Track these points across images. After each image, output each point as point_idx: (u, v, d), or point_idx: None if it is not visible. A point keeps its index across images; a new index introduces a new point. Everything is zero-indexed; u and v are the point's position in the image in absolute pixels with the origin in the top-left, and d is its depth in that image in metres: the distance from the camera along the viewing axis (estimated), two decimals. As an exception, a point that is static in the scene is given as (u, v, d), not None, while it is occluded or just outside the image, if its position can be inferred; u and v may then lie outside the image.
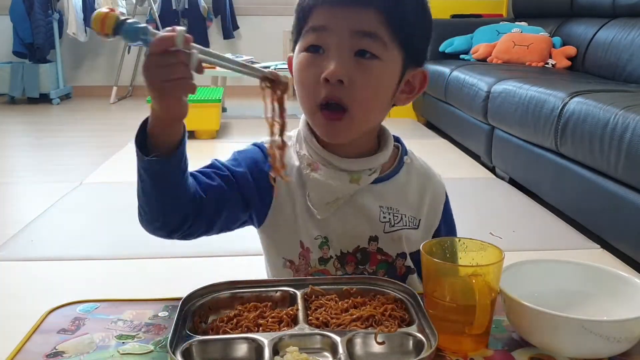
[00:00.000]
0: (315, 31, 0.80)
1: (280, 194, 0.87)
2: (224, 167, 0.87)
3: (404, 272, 0.92)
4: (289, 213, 0.88)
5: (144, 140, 0.74)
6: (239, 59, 0.74)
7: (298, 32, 0.84)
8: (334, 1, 0.79)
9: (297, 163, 0.88)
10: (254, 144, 0.91)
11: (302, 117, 0.90)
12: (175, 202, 0.78)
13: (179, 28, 0.65)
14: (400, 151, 0.94)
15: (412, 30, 0.84)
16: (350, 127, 0.83)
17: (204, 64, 0.67)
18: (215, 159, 0.89)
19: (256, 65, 0.72)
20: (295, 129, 0.91)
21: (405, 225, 0.90)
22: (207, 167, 0.87)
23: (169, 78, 0.66)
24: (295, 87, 0.85)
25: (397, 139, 0.95)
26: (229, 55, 0.71)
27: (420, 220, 0.92)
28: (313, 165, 0.87)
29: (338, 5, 0.79)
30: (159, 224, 0.80)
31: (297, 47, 0.84)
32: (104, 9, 0.64)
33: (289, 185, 0.87)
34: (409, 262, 0.92)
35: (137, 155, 0.74)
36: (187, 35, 0.65)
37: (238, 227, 0.90)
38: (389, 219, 0.89)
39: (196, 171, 0.85)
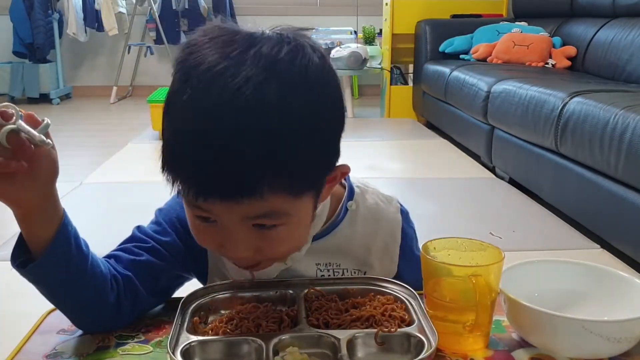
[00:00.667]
0: (197, 209, 0.64)
1: (214, 256, 0.79)
2: (147, 238, 0.77)
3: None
4: (227, 275, 0.80)
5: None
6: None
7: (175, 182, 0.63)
8: (213, 196, 0.60)
9: None
10: (177, 194, 0.67)
11: None
12: (88, 291, 0.69)
13: None
14: (345, 196, 0.80)
15: (317, 167, 0.65)
16: (274, 263, 0.74)
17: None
18: (137, 228, 0.79)
19: None
20: None
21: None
22: (127, 240, 0.78)
23: None
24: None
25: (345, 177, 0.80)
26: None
27: (365, 272, 0.82)
28: None
29: (219, 200, 0.60)
30: (93, 319, 0.71)
31: (183, 197, 0.64)
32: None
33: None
34: None
35: (22, 272, 0.67)
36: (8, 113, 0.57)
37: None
38: (328, 275, 0.80)
39: (115, 251, 0.77)
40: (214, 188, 0.59)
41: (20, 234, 0.67)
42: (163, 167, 0.63)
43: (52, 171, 0.63)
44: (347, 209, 0.80)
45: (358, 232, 0.80)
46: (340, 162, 0.69)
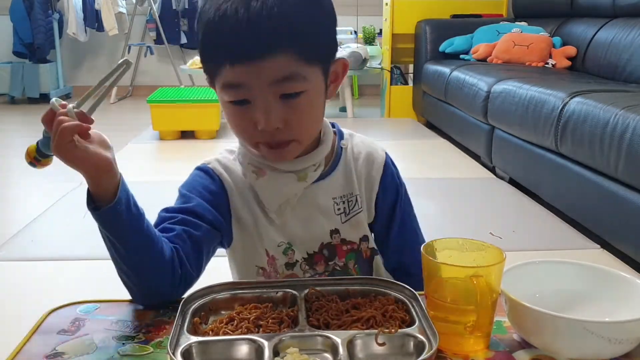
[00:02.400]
0: (233, 88, 0.78)
1: (237, 207, 0.89)
2: (175, 214, 0.85)
3: (370, 255, 0.94)
4: (250, 224, 0.89)
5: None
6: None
7: (210, 77, 0.82)
8: (241, 59, 0.75)
9: (243, 175, 0.89)
10: (197, 168, 0.92)
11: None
12: (150, 250, 0.77)
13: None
14: (337, 137, 0.94)
15: (318, 39, 0.80)
16: (298, 149, 0.84)
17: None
18: (163, 210, 0.88)
19: None
20: (221, 153, 0.93)
21: (361, 208, 0.92)
22: (156, 224, 0.85)
23: (55, 135, 0.71)
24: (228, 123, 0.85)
25: (332, 124, 0.95)
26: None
27: (365, 198, 0.94)
28: (259, 171, 0.88)
29: (247, 62, 0.75)
30: (152, 284, 0.78)
31: (218, 92, 0.81)
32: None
33: (243, 196, 0.89)
34: (372, 243, 0.94)
35: (94, 217, 0.75)
36: (61, 102, 0.73)
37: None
38: (344, 208, 0.91)
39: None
40: (241, 52, 0.74)
41: (87, 193, 0.75)
42: (204, 70, 0.81)
43: (107, 141, 0.75)
44: (341, 148, 0.93)
45: (351, 164, 0.93)
46: None
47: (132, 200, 0.76)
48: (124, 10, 5.68)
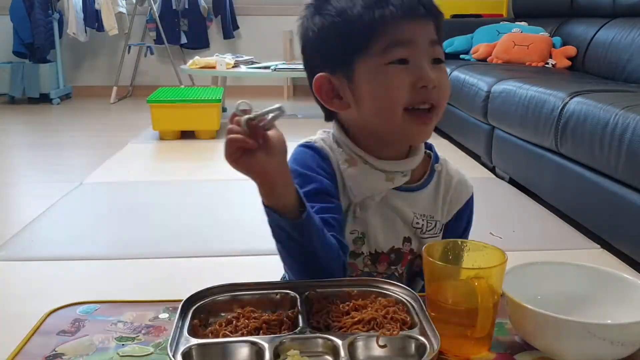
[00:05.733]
0: (402, 45, 0.83)
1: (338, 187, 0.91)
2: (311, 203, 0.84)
3: (419, 271, 0.96)
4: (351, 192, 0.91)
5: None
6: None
7: (362, 45, 0.84)
8: (414, 15, 0.83)
9: (335, 161, 0.91)
10: (303, 145, 0.92)
11: (334, 125, 0.93)
12: (330, 251, 0.80)
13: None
14: (432, 159, 0.97)
15: (441, 32, 0.89)
16: (434, 123, 0.88)
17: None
18: None
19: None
20: (321, 134, 0.95)
21: (436, 233, 0.94)
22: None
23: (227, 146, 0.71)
24: (369, 102, 0.86)
25: (429, 147, 0.98)
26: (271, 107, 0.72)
27: (443, 224, 0.96)
28: (351, 161, 0.90)
29: (418, 18, 0.84)
30: (328, 274, 0.80)
31: (369, 61, 0.84)
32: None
33: (338, 180, 0.90)
34: None
35: (288, 226, 0.75)
36: (245, 109, 0.71)
37: None
38: (422, 225, 0.93)
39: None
40: (414, 8, 0.83)
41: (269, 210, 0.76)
42: (355, 40, 0.84)
43: (282, 147, 0.73)
44: (434, 170, 0.96)
45: (442, 189, 0.95)
46: None
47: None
48: (124, 10, 5.67)
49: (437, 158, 0.97)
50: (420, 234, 0.93)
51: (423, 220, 0.93)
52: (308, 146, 0.92)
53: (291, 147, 0.83)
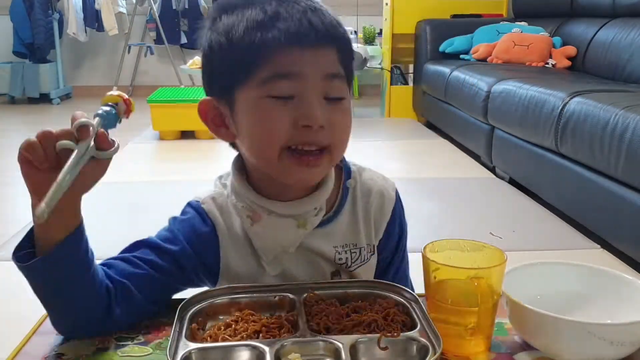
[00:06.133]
0: (286, 77, 0.71)
1: (228, 257, 0.81)
2: (149, 251, 0.78)
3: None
4: (243, 274, 0.81)
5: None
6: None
7: (243, 73, 0.73)
8: (302, 42, 0.71)
9: (237, 218, 0.81)
10: (190, 205, 0.83)
11: (232, 166, 0.83)
12: (81, 296, 0.70)
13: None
14: (343, 176, 0.86)
15: (351, 52, 0.78)
16: (328, 168, 0.78)
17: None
18: (144, 240, 0.80)
19: None
20: (216, 187, 0.85)
21: (364, 261, 0.85)
22: (129, 249, 0.80)
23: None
24: (246, 137, 0.76)
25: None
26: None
27: (374, 245, 0.87)
28: (254, 216, 0.80)
29: (308, 46, 0.71)
30: (79, 323, 0.72)
31: (249, 91, 0.73)
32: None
33: (237, 245, 0.81)
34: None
35: (20, 266, 0.68)
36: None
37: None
38: (346, 258, 0.84)
39: (114, 259, 0.78)
40: (300, 35, 0.71)
41: (30, 231, 0.69)
42: (224, 73, 0.75)
43: (90, 181, 0.67)
44: (347, 188, 0.85)
45: (359, 208, 0.85)
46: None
47: (84, 250, 0.70)
48: (124, 10, 5.67)
49: (348, 172, 0.86)
50: (346, 268, 0.84)
51: (346, 253, 0.83)
52: (193, 207, 0.82)
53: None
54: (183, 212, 0.83)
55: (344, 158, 0.86)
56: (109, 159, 0.67)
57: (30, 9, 5.27)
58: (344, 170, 0.86)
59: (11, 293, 1.82)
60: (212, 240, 0.80)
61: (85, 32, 5.66)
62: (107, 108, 0.68)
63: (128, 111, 0.71)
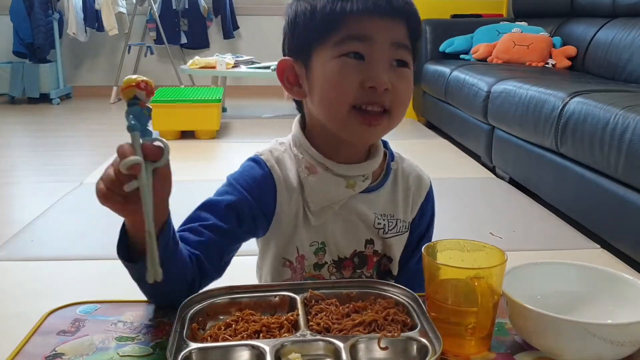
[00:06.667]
0: (358, 40, 0.81)
1: (282, 202, 0.89)
2: (209, 215, 0.86)
3: (388, 271, 0.96)
4: (290, 220, 0.89)
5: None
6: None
7: (322, 35, 0.83)
8: (379, 12, 0.81)
9: (294, 168, 0.89)
10: (249, 159, 0.92)
11: (296, 123, 0.92)
12: (173, 276, 0.76)
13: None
14: (387, 157, 0.95)
15: (420, 32, 0.87)
16: (387, 129, 0.86)
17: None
18: (206, 200, 0.89)
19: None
20: (284, 137, 0.94)
21: (399, 232, 0.93)
22: (190, 219, 0.87)
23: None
24: (318, 93, 0.85)
25: (384, 143, 0.96)
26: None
27: (409, 222, 0.95)
28: (311, 168, 0.88)
29: (382, 16, 0.81)
30: (171, 296, 0.78)
31: (326, 52, 0.82)
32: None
33: (290, 191, 0.88)
34: (395, 265, 0.95)
35: (125, 265, 0.77)
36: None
37: None
38: (384, 225, 0.92)
39: (181, 232, 0.85)
40: (378, 4, 0.80)
41: (122, 229, 0.78)
42: (317, 29, 0.82)
43: (167, 189, 0.74)
44: (390, 168, 0.94)
45: (400, 187, 0.94)
46: None
47: (173, 239, 0.77)
48: (124, 10, 5.67)
49: (392, 155, 0.96)
50: (383, 234, 0.92)
51: (384, 220, 0.92)
52: (253, 159, 0.91)
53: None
54: (242, 167, 0.91)
55: (388, 146, 0.96)
56: (167, 163, 0.72)
57: (30, 9, 5.27)
58: (388, 153, 0.96)
59: (11, 293, 1.83)
60: (269, 185, 0.88)
61: (86, 32, 5.66)
62: (132, 109, 0.70)
63: (149, 93, 0.74)
